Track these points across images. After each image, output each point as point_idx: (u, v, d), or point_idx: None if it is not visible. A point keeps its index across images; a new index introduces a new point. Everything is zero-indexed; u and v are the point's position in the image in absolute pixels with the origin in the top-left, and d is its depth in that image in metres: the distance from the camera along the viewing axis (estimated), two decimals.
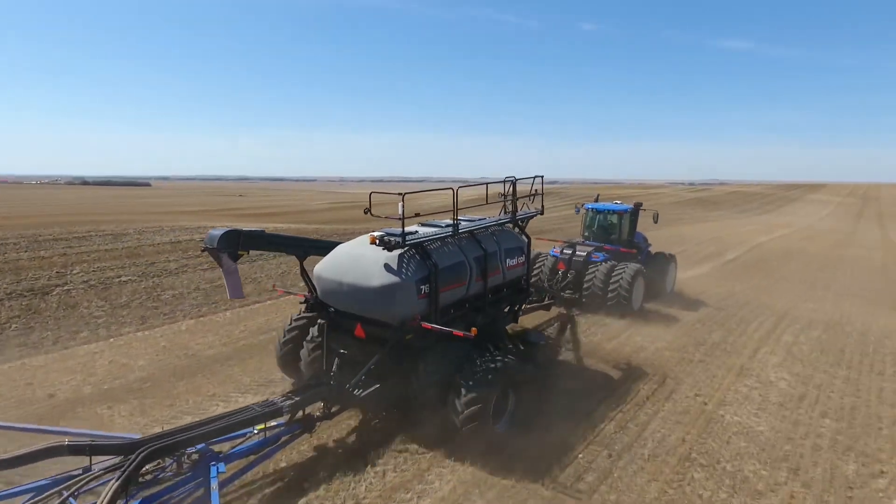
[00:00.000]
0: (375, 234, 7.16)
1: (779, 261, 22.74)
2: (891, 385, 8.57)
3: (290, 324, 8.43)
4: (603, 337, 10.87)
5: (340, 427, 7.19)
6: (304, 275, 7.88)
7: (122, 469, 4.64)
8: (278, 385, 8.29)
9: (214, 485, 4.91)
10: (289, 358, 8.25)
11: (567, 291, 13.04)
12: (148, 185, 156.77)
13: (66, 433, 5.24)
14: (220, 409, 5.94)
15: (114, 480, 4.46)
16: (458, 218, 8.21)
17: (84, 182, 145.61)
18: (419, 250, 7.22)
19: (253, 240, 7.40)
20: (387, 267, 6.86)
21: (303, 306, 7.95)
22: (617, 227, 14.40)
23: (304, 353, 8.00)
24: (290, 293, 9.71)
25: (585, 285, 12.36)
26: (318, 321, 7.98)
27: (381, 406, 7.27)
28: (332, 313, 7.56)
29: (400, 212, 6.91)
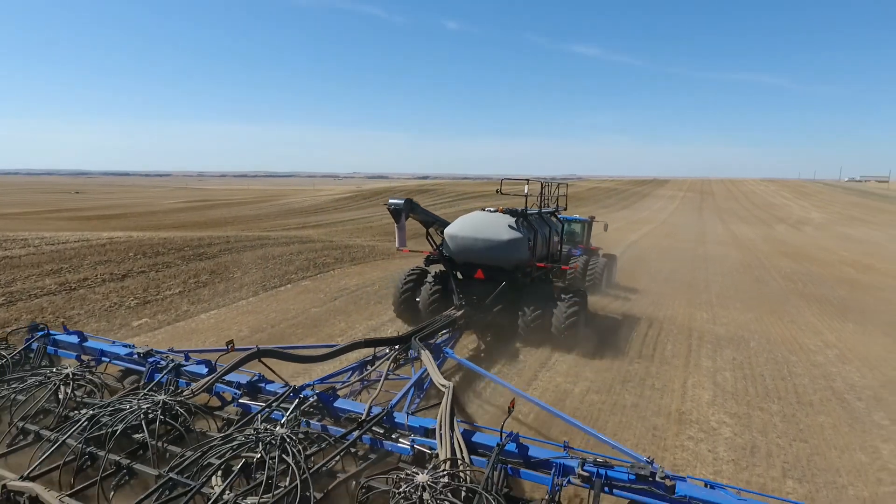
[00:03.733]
0: (490, 209, 11.07)
1: (655, 261, 23.28)
2: (826, 419, 7.94)
3: (405, 278, 11.41)
4: (603, 302, 14.85)
5: (471, 340, 10.86)
6: (429, 237, 11.14)
7: (422, 347, 7.43)
8: None
9: (455, 358, 8.03)
10: (403, 305, 11.32)
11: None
12: None
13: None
14: None
15: (423, 351, 7.17)
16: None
17: None
18: (526, 219, 10.63)
19: (415, 209, 10.44)
20: (511, 227, 10.26)
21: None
22: (580, 233, 17.55)
23: (422, 296, 11.10)
24: (414, 251, 11.48)
25: (569, 277, 15.04)
26: (435, 272, 11.42)
27: (496, 321, 10.88)
28: (451, 262, 10.86)
29: (526, 191, 11.38)
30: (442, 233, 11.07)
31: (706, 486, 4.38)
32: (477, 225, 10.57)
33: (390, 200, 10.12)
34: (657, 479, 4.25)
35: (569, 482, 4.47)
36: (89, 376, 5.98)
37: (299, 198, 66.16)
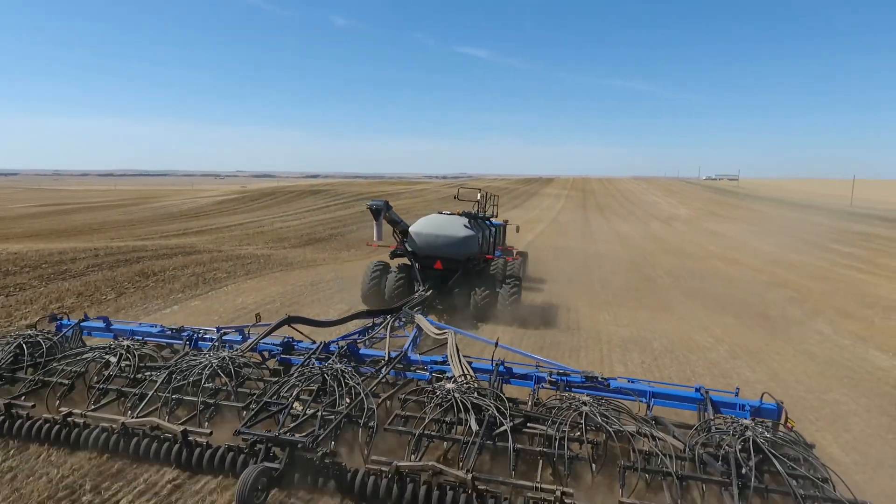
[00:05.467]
0: (447, 212, 13.93)
1: (553, 261, 24.05)
2: None
3: (372, 270, 13.37)
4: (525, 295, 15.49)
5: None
6: (395, 235, 13.12)
7: (414, 312, 10.20)
8: None
9: (434, 323, 9.67)
10: (371, 294, 13.18)
11: None
12: None
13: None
14: None
15: (417, 315, 9.97)
16: (466, 211, 13.91)
17: None
18: (476, 221, 13.62)
19: (389, 210, 12.17)
20: (465, 226, 13.01)
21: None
22: (497, 234, 18.47)
23: (388, 285, 13.02)
24: (382, 245, 13.09)
25: (492, 270, 15.51)
26: (399, 264, 13.70)
27: (453, 300, 13.16)
28: (414, 255, 13.16)
29: (478, 197, 14.77)
30: (401, 232, 13.10)
31: (629, 381, 7.26)
32: (438, 224, 13.19)
33: (371, 202, 12.01)
34: (599, 380, 7.10)
35: (542, 386, 7.13)
36: (144, 349, 7.71)
37: (177, 199, 60.94)
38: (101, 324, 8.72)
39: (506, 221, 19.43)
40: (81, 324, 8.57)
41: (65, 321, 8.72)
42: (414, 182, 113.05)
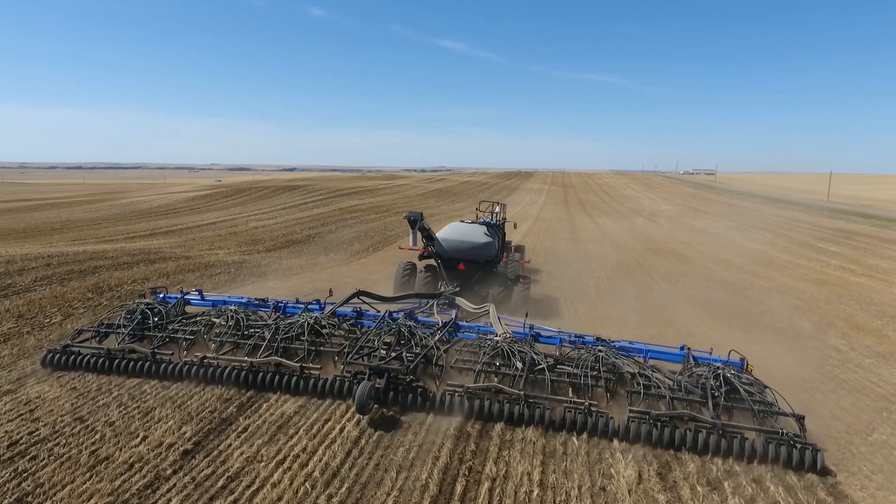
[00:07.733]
0: (467, 220, 17.00)
1: (544, 265, 22.94)
2: None
3: (402, 271, 15.40)
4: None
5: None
6: (423, 240, 14.77)
7: (454, 296, 12.84)
8: None
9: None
10: (402, 290, 14.52)
11: None
12: None
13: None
14: None
15: (457, 297, 12.87)
16: (484, 220, 17.22)
17: None
18: (494, 228, 15.98)
19: (422, 220, 13.97)
20: (485, 233, 15.11)
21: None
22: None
23: (417, 281, 14.89)
24: (412, 249, 15.33)
25: (498, 269, 16.67)
26: (426, 265, 15.49)
27: (474, 296, 14.29)
28: (439, 258, 14.93)
29: (497, 209, 18.43)
30: (428, 238, 14.56)
31: (629, 342, 9.65)
32: (462, 231, 15.12)
33: (409, 213, 13.92)
34: (607, 340, 9.48)
35: (564, 344, 9.57)
36: (248, 312, 9.73)
37: (147, 194, 58.23)
38: (197, 296, 11.25)
39: (504, 219, 19.60)
40: (185, 296, 10.98)
41: (167, 295, 11.22)
42: (394, 176, 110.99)
